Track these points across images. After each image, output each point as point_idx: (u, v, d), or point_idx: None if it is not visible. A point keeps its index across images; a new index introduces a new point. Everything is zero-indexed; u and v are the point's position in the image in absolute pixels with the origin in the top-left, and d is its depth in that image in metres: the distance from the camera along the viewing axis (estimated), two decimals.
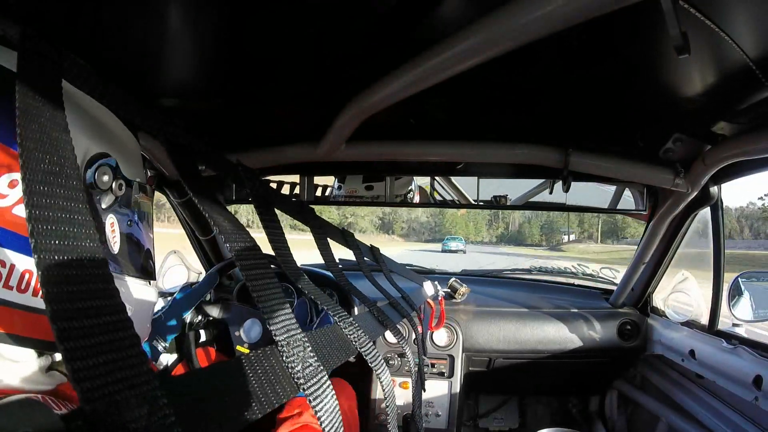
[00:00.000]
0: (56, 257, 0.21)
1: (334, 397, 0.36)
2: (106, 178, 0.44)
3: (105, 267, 0.23)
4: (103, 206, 0.44)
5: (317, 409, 0.34)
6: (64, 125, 0.26)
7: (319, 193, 1.42)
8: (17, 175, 0.36)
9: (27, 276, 0.36)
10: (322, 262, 0.72)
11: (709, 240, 1.28)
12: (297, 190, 1.39)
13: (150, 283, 0.53)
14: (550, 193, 1.32)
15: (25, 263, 0.36)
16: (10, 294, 0.35)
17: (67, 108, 0.27)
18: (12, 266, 0.36)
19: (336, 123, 0.97)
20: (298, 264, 0.53)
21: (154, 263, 0.56)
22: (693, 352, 1.29)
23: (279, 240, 0.48)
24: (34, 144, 0.24)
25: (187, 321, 1.14)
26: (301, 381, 0.32)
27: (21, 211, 0.36)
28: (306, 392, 0.33)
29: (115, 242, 0.46)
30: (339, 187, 1.42)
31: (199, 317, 1.19)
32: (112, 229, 0.45)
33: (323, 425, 0.34)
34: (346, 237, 0.83)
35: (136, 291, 0.49)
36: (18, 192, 0.36)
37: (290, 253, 0.50)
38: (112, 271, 0.23)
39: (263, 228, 0.47)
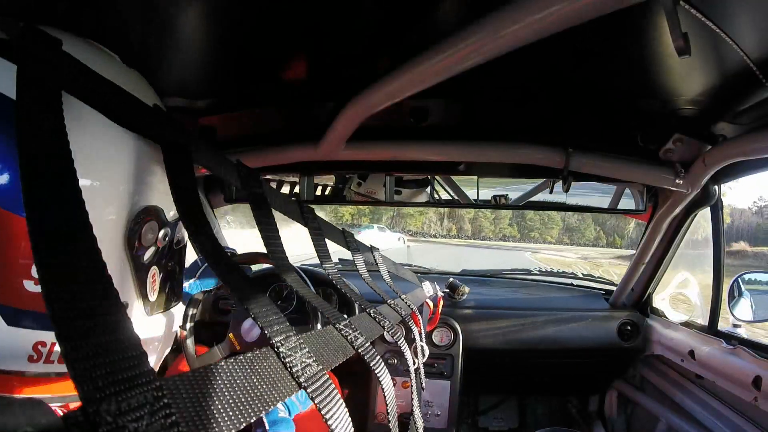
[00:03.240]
0: (55, 259, 0.21)
1: (338, 395, 0.35)
2: (150, 235, 0.41)
3: (103, 266, 0.23)
4: (145, 261, 0.42)
5: (321, 407, 0.34)
6: (63, 129, 0.26)
7: (318, 192, 1.42)
8: None
9: None
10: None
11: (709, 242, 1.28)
12: (297, 190, 1.39)
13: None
14: (550, 192, 1.32)
15: None
16: (52, 366, 0.37)
17: (108, 168, 0.26)
18: (53, 344, 0.36)
19: (336, 123, 0.97)
20: (300, 263, 0.53)
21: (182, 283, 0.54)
22: (692, 352, 1.29)
23: (274, 241, 0.48)
24: (34, 148, 0.24)
25: (188, 316, 1.14)
26: (302, 380, 0.32)
27: None
28: (308, 391, 0.33)
29: (154, 291, 0.44)
30: (359, 184, 1.40)
31: (200, 311, 1.19)
32: (153, 280, 0.43)
33: (331, 425, 0.34)
34: (346, 237, 0.83)
35: (160, 324, 0.47)
36: None
37: (285, 255, 0.50)
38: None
39: (258, 229, 0.47)
